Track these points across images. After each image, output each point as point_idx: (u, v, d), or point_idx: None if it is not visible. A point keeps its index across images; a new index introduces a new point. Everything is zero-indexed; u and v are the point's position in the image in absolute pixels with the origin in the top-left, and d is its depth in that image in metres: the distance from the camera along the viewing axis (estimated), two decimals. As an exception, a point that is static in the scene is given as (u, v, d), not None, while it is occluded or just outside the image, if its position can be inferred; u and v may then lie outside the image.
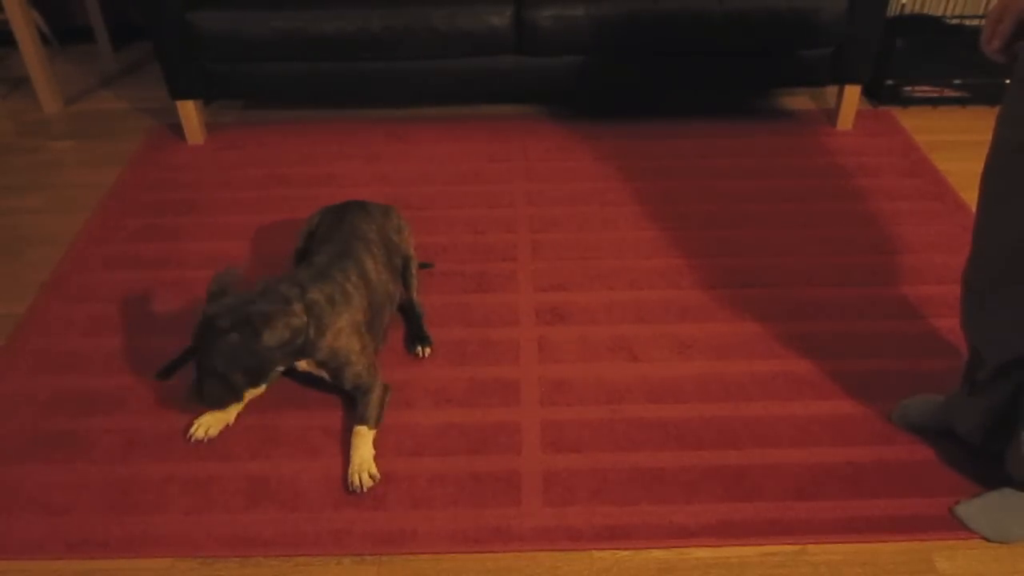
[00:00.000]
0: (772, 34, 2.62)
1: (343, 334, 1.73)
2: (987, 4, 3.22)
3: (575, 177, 2.62)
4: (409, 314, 2.05)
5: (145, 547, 1.56)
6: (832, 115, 2.90)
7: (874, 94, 3.03)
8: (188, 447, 1.75)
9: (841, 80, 2.76)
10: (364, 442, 1.70)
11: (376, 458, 1.71)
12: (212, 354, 1.62)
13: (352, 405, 1.81)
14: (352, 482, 1.64)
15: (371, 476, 1.66)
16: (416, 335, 1.99)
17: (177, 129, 2.91)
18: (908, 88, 2.98)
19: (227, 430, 1.78)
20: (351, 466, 1.67)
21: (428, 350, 1.96)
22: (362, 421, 1.73)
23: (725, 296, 2.13)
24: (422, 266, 2.20)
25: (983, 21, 1.29)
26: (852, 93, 2.78)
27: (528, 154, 2.75)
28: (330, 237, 1.92)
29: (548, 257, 2.27)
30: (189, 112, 2.79)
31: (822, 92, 3.11)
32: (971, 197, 2.45)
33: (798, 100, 3.06)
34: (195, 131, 2.83)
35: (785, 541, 1.55)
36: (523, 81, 2.75)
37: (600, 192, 2.54)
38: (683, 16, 2.59)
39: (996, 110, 1.31)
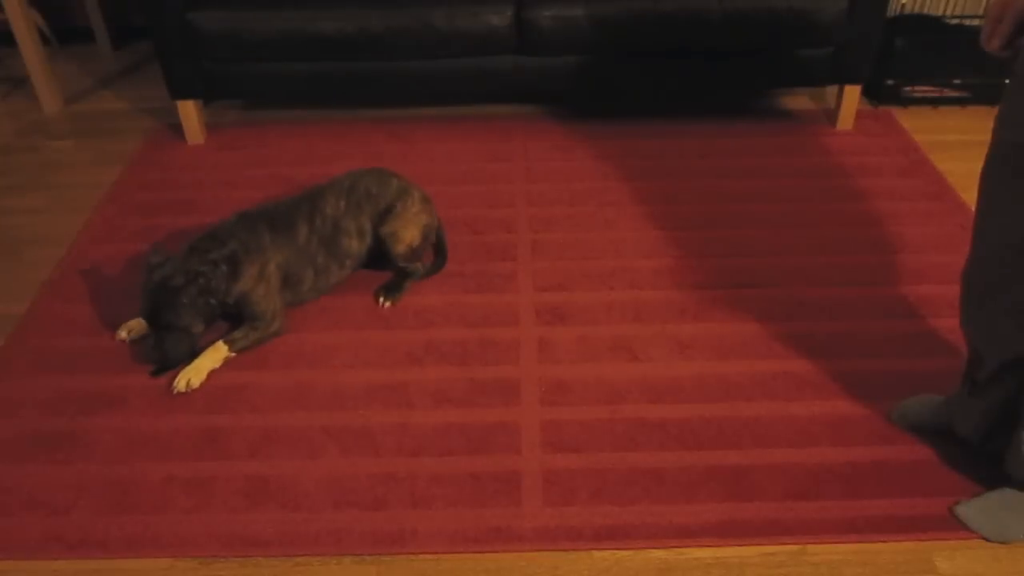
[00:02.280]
0: (772, 34, 2.62)
1: (252, 280, 1.93)
2: (987, 4, 3.22)
3: (575, 177, 2.62)
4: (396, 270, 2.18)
5: (145, 547, 1.56)
6: (832, 115, 2.90)
7: (874, 94, 3.03)
8: (188, 447, 1.75)
9: (841, 80, 2.76)
10: (213, 353, 1.91)
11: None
12: (176, 310, 1.84)
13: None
14: (176, 383, 1.86)
15: (188, 384, 1.86)
16: (389, 285, 2.14)
17: (177, 129, 2.91)
18: (908, 88, 2.98)
19: (227, 430, 1.78)
20: (185, 368, 1.89)
21: (388, 303, 2.11)
22: (227, 340, 1.93)
23: (725, 296, 2.13)
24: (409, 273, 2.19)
25: (983, 20, 1.29)
26: (852, 93, 2.78)
27: (528, 154, 2.75)
28: (293, 197, 2.09)
29: (548, 257, 2.27)
30: (189, 112, 2.79)
31: (822, 92, 3.11)
32: (971, 197, 2.45)
33: (798, 100, 3.06)
34: (195, 131, 2.83)
35: (785, 541, 1.55)
36: (523, 81, 2.75)
37: (600, 192, 2.54)
38: (683, 16, 2.59)
39: (996, 110, 1.31)
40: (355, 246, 2.10)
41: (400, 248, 2.10)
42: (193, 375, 1.88)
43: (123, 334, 2.01)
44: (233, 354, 1.94)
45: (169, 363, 1.91)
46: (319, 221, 2.04)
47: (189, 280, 1.84)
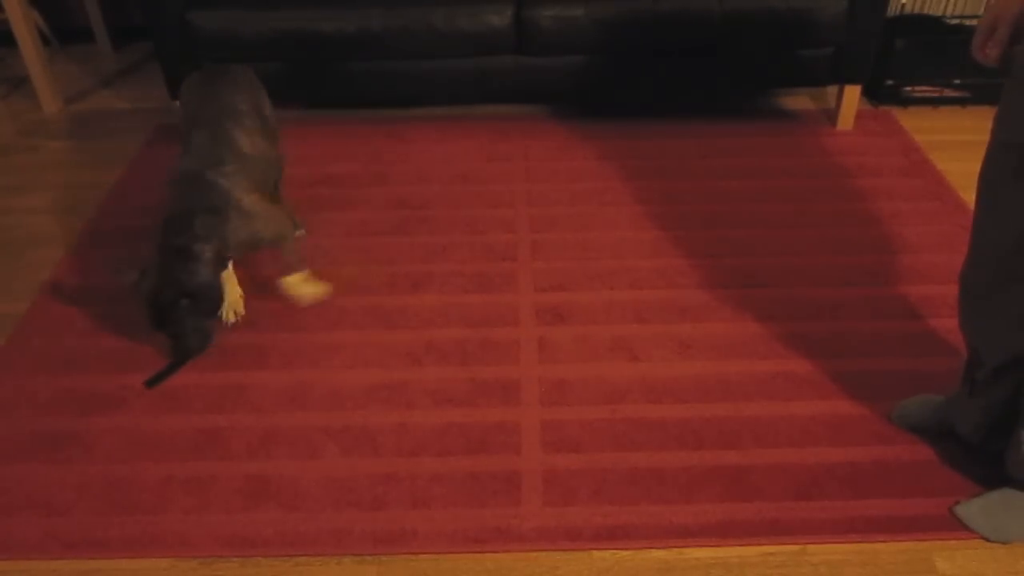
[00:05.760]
0: (772, 34, 2.62)
1: (243, 221, 1.84)
2: (986, 5, 3.22)
3: (575, 177, 2.62)
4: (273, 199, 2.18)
5: (145, 547, 1.56)
6: (832, 115, 2.90)
7: (874, 94, 3.03)
8: (188, 447, 1.75)
9: (841, 80, 2.76)
10: (309, 286, 2.03)
11: (379, 456, 1.71)
12: (180, 323, 1.79)
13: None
14: (227, 316, 1.98)
15: (234, 313, 2.00)
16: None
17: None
18: (908, 88, 2.98)
19: (227, 430, 1.78)
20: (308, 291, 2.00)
21: (302, 231, 2.26)
22: (292, 269, 2.02)
23: (725, 296, 2.13)
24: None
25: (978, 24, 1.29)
26: (852, 93, 2.78)
27: (528, 154, 2.75)
28: (200, 117, 1.94)
29: (548, 257, 2.27)
30: (189, 112, 2.79)
31: (822, 92, 3.11)
32: (971, 197, 2.45)
33: (798, 100, 3.06)
34: (195, 131, 2.83)
35: (785, 541, 1.55)
36: (523, 81, 2.75)
37: (600, 192, 2.54)
38: (683, 16, 2.59)
39: (995, 110, 1.31)
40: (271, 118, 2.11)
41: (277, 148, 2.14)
42: (234, 306, 2.01)
43: (231, 316, 2.04)
44: (305, 272, 2.06)
45: (199, 353, 1.90)
46: (246, 120, 1.97)
47: (176, 295, 1.76)
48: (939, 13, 3.17)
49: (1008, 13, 1.26)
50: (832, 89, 3.08)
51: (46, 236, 2.43)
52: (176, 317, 1.79)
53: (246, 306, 2.10)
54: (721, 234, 2.35)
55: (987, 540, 1.55)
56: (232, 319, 1.98)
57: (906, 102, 3.01)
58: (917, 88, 2.98)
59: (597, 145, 2.79)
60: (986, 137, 1.40)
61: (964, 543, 1.55)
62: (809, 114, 2.96)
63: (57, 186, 2.67)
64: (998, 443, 1.59)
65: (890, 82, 2.96)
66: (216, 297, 1.82)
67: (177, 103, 2.76)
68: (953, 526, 1.57)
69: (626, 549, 1.55)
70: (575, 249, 2.30)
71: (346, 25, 2.60)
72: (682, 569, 1.51)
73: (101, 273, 2.25)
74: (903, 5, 3.17)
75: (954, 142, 2.80)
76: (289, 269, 2.04)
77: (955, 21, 3.08)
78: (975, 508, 1.57)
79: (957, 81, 2.95)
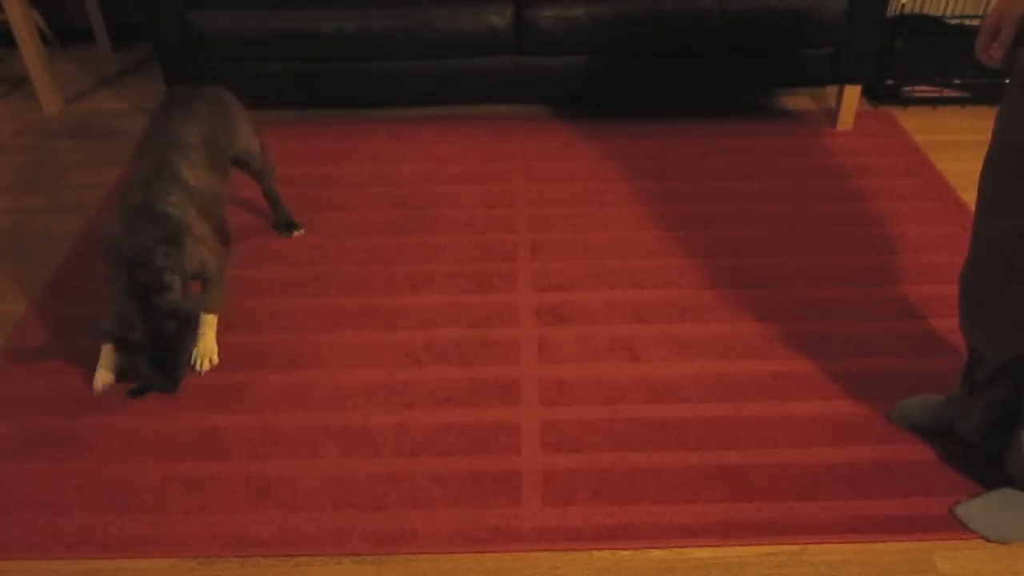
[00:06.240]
0: (772, 34, 2.62)
1: (197, 256, 1.87)
2: (987, 4, 3.22)
3: (575, 177, 2.62)
4: (271, 202, 2.34)
5: (145, 547, 1.56)
6: (832, 115, 2.90)
7: (874, 94, 3.03)
8: (188, 447, 1.75)
9: (841, 80, 2.76)
10: (209, 330, 1.95)
11: (381, 453, 1.71)
12: (181, 354, 1.78)
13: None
14: (200, 368, 1.91)
15: (211, 362, 1.92)
16: (285, 222, 2.34)
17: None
18: (908, 88, 2.98)
19: (227, 430, 1.78)
20: (197, 351, 1.92)
21: (302, 231, 2.31)
22: (205, 311, 1.94)
23: (725, 296, 2.13)
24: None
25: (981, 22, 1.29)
26: (852, 93, 2.78)
27: (528, 154, 2.75)
28: (149, 146, 1.96)
29: (548, 257, 2.27)
30: (189, 112, 2.79)
31: (822, 92, 3.11)
32: (971, 197, 2.45)
33: (798, 100, 3.06)
34: (195, 131, 2.83)
35: (785, 541, 1.55)
36: (523, 81, 2.75)
37: (600, 192, 2.54)
38: (683, 16, 2.59)
39: (996, 110, 1.31)
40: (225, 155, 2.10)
41: (258, 163, 2.23)
42: (211, 354, 1.94)
43: (99, 384, 1.88)
44: (216, 315, 1.98)
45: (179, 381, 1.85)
46: (192, 153, 1.97)
47: (181, 323, 1.75)
48: (939, 13, 3.17)
49: (1012, 14, 1.26)
50: (832, 89, 3.08)
51: (46, 236, 2.43)
52: (181, 346, 1.77)
53: (247, 305, 2.10)
54: (721, 234, 2.35)
55: (987, 540, 1.55)
56: (207, 367, 1.91)
57: (906, 102, 3.01)
58: (917, 88, 2.98)
59: (597, 145, 2.79)
60: (986, 137, 1.40)
61: (964, 543, 1.55)
62: (809, 114, 2.96)
63: (57, 186, 2.67)
64: (998, 443, 1.59)
65: (890, 82, 2.96)
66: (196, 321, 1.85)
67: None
68: (953, 526, 1.57)
69: (626, 549, 1.55)
70: (575, 249, 2.30)
71: (346, 25, 2.60)
72: (682, 569, 1.51)
73: (101, 273, 2.25)
74: (903, 5, 3.17)
75: (954, 142, 2.80)
76: (206, 308, 1.95)
77: (955, 21, 3.08)
78: (975, 508, 1.57)
79: (957, 81, 2.95)
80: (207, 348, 1.93)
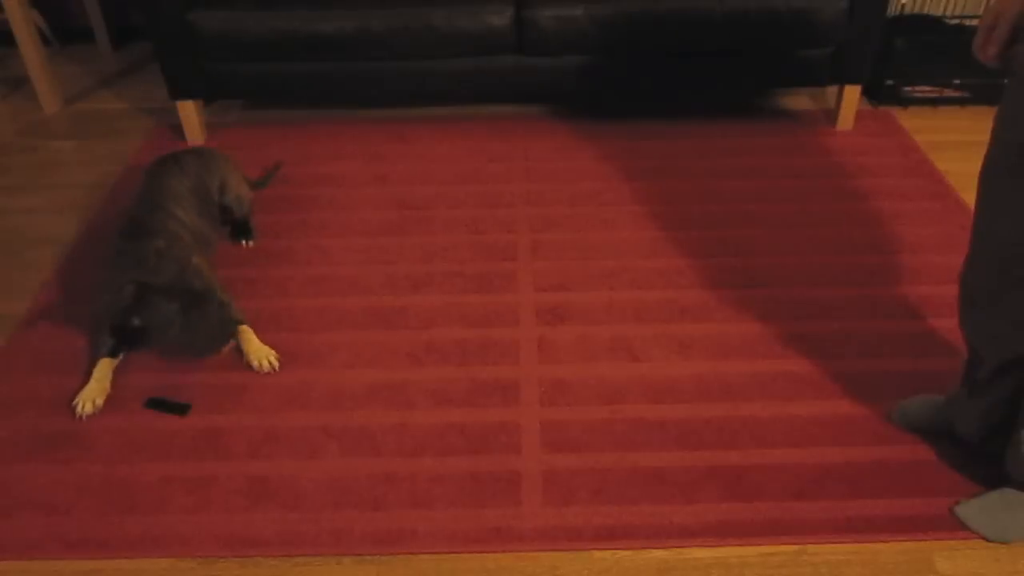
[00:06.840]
0: (772, 34, 2.62)
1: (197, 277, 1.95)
2: (987, 4, 3.22)
3: (575, 177, 2.62)
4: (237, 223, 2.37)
5: (145, 547, 1.56)
6: (832, 115, 2.90)
7: (874, 94, 3.03)
8: (188, 447, 1.75)
9: (841, 80, 2.76)
10: (250, 335, 1.97)
11: (386, 462, 1.71)
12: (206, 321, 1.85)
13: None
14: (260, 366, 1.92)
15: (271, 364, 1.93)
16: (240, 231, 2.35)
17: (177, 129, 2.91)
18: (908, 88, 2.98)
19: (227, 430, 1.78)
20: (251, 356, 1.93)
21: (251, 242, 2.33)
22: (238, 321, 1.99)
23: (725, 296, 2.13)
24: (258, 184, 2.53)
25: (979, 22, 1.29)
26: (852, 93, 2.78)
27: (528, 154, 2.75)
28: (143, 197, 2.10)
29: (548, 257, 2.27)
30: (189, 112, 2.79)
31: (822, 92, 3.11)
32: (971, 197, 2.45)
33: (798, 100, 3.06)
34: (195, 131, 2.83)
35: (785, 541, 1.55)
36: (523, 81, 2.75)
37: (600, 192, 2.54)
38: (683, 16, 2.59)
39: (996, 110, 1.31)
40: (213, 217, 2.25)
41: (245, 208, 2.34)
42: (268, 355, 1.94)
43: (88, 409, 1.82)
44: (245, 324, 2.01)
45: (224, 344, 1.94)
46: (184, 201, 2.13)
47: (184, 304, 1.81)
48: (939, 13, 3.17)
49: (1008, 12, 1.26)
50: (832, 89, 3.08)
51: (46, 236, 2.43)
52: (206, 319, 1.84)
53: (247, 306, 2.10)
54: (721, 234, 2.35)
55: (987, 540, 1.55)
56: (266, 367, 1.92)
57: (906, 102, 3.01)
58: (917, 88, 2.98)
59: (597, 145, 2.79)
60: (986, 137, 1.40)
61: (964, 543, 1.55)
62: (809, 114, 2.96)
63: (57, 186, 2.67)
64: (998, 443, 1.59)
65: (890, 82, 2.96)
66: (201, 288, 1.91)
67: (176, 103, 2.77)
68: (953, 526, 1.57)
69: (626, 549, 1.55)
70: (575, 249, 2.30)
71: (346, 25, 2.60)
72: (682, 569, 1.52)
73: (101, 273, 2.25)
74: (903, 5, 3.17)
75: (954, 142, 2.80)
76: (233, 318, 2.00)
77: (955, 21, 3.08)
78: (975, 508, 1.57)
79: (957, 81, 2.95)
80: (260, 350, 1.94)
